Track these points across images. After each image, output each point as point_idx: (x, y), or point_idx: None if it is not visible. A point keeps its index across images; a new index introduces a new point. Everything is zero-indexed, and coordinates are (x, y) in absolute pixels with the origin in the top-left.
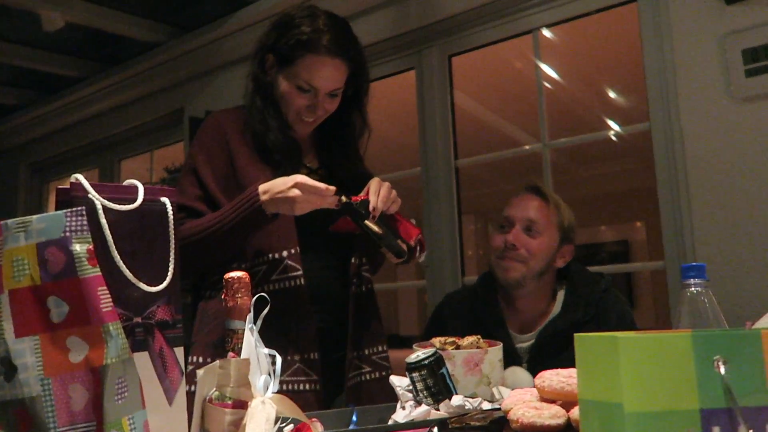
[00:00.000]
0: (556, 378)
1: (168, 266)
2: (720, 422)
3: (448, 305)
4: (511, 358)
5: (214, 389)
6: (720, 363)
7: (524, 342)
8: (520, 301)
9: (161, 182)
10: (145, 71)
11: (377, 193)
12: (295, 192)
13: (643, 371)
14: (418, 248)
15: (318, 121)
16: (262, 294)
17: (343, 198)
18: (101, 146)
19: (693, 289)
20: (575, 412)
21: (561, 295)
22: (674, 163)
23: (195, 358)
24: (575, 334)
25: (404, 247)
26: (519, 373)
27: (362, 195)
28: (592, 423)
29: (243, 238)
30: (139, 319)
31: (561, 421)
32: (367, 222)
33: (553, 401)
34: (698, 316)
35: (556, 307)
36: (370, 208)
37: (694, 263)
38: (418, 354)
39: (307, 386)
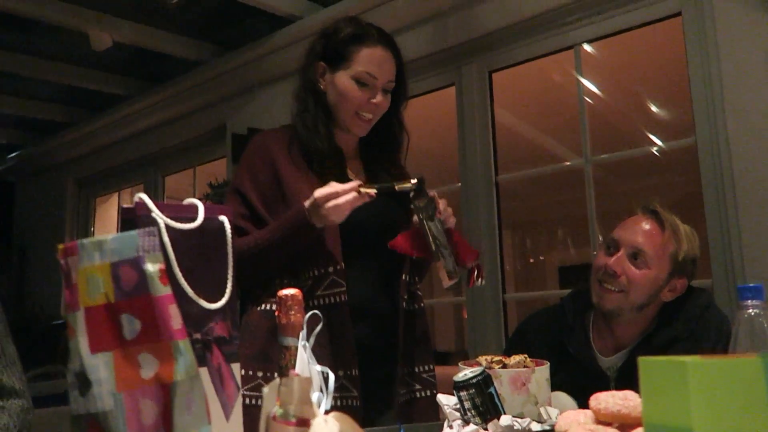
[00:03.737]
0: (612, 400)
1: (226, 283)
2: None
3: (531, 322)
4: (596, 380)
5: (278, 406)
6: None
7: (614, 362)
8: (616, 326)
9: (204, 197)
10: (189, 88)
11: (439, 199)
12: (324, 206)
13: (712, 396)
14: (475, 272)
15: (373, 121)
16: (315, 312)
17: (411, 184)
18: (146, 162)
19: (750, 310)
20: None
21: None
22: (721, 179)
23: None
24: (639, 358)
25: (456, 268)
26: (562, 398)
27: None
28: None
29: (290, 253)
30: (198, 335)
31: None
32: (432, 222)
33: (608, 423)
34: (756, 337)
35: (653, 322)
36: (439, 206)
37: (751, 284)
38: (466, 372)
39: (348, 402)
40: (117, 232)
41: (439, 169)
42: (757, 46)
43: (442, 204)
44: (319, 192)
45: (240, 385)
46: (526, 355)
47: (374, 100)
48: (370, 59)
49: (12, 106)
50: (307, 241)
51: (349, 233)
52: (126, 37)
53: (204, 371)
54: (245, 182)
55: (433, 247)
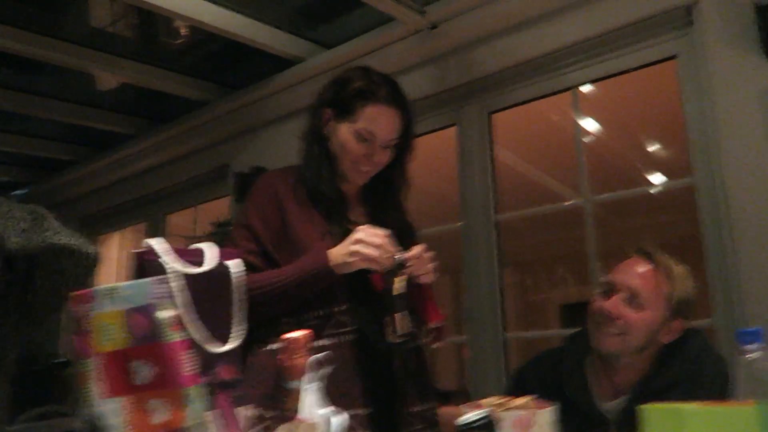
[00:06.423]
0: None
1: (231, 327)
2: None
3: (530, 366)
4: (597, 425)
5: None
6: None
7: (613, 406)
8: (614, 369)
9: (206, 236)
10: (193, 128)
11: (417, 252)
12: (356, 248)
13: None
14: (432, 335)
15: (372, 173)
16: (318, 355)
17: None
18: (149, 200)
19: (750, 354)
20: None
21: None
22: (719, 219)
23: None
24: (639, 405)
25: (407, 328)
26: None
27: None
28: None
29: (306, 295)
30: (204, 379)
31: None
32: (395, 279)
33: None
34: (756, 382)
35: (651, 365)
36: (407, 256)
37: (749, 328)
38: (469, 415)
39: None
40: (119, 271)
41: (440, 208)
42: (752, 88)
43: (426, 256)
44: (365, 232)
45: (243, 430)
46: (531, 398)
47: (372, 159)
48: (373, 118)
49: (16, 144)
50: (324, 285)
51: (349, 274)
52: (131, 78)
53: (209, 415)
54: (253, 219)
55: (388, 300)
